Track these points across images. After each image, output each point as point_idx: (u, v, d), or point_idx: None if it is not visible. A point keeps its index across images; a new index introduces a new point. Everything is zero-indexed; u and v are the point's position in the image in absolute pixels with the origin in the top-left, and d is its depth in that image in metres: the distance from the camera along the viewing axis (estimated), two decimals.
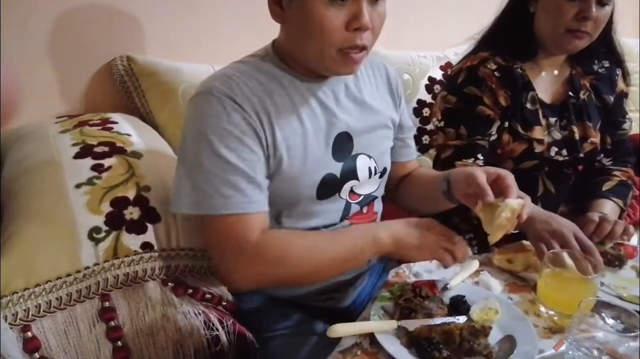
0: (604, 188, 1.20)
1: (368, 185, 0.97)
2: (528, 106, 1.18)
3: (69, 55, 1.29)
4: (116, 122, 1.16)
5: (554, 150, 1.17)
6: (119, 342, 0.79)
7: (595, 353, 0.68)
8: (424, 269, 0.92)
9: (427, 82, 1.62)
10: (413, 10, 1.78)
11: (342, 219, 0.95)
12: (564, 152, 1.18)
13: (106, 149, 1.00)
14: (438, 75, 1.65)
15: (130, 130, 1.12)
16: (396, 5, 1.68)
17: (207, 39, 1.44)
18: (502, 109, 1.16)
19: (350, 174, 0.92)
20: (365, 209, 0.99)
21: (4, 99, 0.46)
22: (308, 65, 0.86)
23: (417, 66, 1.61)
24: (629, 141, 1.31)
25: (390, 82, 1.03)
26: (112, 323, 0.80)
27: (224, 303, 0.91)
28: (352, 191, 0.94)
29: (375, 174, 0.97)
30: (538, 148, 1.15)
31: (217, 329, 0.85)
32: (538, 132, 1.16)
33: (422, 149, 1.67)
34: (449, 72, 1.38)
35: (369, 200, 0.99)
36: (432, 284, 0.83)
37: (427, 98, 1.62)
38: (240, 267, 0.81)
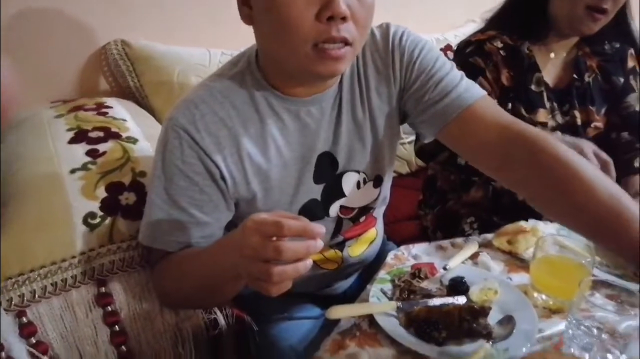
0: (636, 164, 1.18)
1: (360, 197, 0.89)
2: (533, 87, 1.15)
3: (63, 40, 1.27)
4: (111, 107, 1.14)
5: (557, 135, 1.13)
6: (116, 327, 0.79)
7: (595, 331, 0.67)
8: (423, 252, 0.91)
9: None
10: None
11: (334, 236, 0.90)
12: (568, 136, 1.14)
13: (101, 134, 0.99)
14: None
15: (125, 115, 1.11)
16: None
17: (203, 23, 1.42)
18: (503, 88, 1.14)
19: (334, 194, 0.86)
20: (362, 219, 0.92)
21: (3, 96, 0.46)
22: (286, 71, 0.75)
23: None
24: None
25: (392, 49, 0.82)
26: (109, 308, 0.79)
27: None
28: (342, 207, 0.87)
29: (366, 183, 0.88)
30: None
31: (215, 313, 0.85)
32: (542, 115, 1.14)
33: None
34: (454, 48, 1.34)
35: (364, 213, 0.91)
36: (431, 265, 0.82)
37: None
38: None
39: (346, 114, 0.83)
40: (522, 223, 0.92)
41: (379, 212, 0.97)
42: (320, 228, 0.57)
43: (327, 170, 0.84)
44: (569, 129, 1.16)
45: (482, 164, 0.83)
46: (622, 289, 0.77)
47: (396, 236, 1.26)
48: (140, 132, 1.04)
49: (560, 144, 0.75)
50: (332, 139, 0.83)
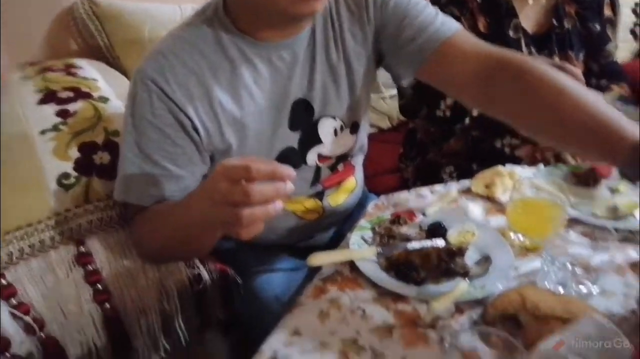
0: (606, 99, 1.20)
1: (338, 144, 0.88)
2: (510, 33, 1.15)
3: (27, 0, 1.21)
4: (81, 68, 1.11)
5: None
6: (98, 285, 0.79)
7: (569, 266, 0.69)
8: (403, 200, 0.92)
9: None
10: None
11: (313, 185, 0.90)
12: None
13: (71, 94, 0.97)
14: None
15: (96, 75, 1.09)
16: None
17: None
18: (480, 35, 1.12)
19: (311, 141, 0.85)
20: (340, 167, 0.92)
21: None
22: (260, 14, 0.74)
23: None
24: (618, 65, 1.29)
25: None
26: (90, 267, 0.79)
27: None
28: (320, 156, 0.87)
29: (343, 130, 0.88)
30: None
31: (199, 268, 0.85)
32: None
33: None
34: None
35: (342, 160, 0.91)
36: (410, 212, 0.83)
37: None
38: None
39: (320, 57, 0.82)
40: (500, 168, 0.93)
41: (357, 160, 0.97)
42: (289, 170, 0.57)
43: (303, 117, 0.83)
44: None
45: (466, 95, 0.81)
46: (596, 227, 0.79)
47: (377, 189, 1.27)
48: (112, 91, 1.02)
49: (545, 66, 0.74)
50: (306, 85, 0.82)
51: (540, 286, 0.69)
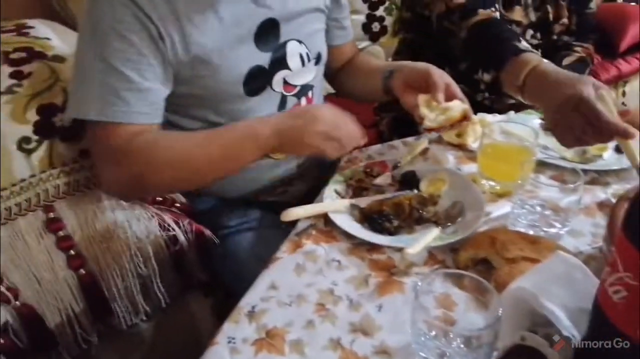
0: (564, 63, 1.18)
1: (303, 74, 0.92)
2: None
3: None
4: (32, 27, 1.04)
5: (529, 33, 1.12)
6: (71, 251, 0.78)
7: (539, 208, 0.71)
8: (376, 152, 0.92)
9: None
10: None
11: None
12: (538, 35, 1.13)
13: (24, 54, 0.91)
14: None
15: (49, 34, 1.02)
16: None
17: None
18: None
19: (279, 63, 0.87)
20: (303, 101, 0.94)
21: None
22: None
23: None
24: (592, 17, 1.28)
25: None
26: (61, 233, 0.77)
27: (177, 205, 0.90)
28: (286, 83, 0.89)
29: (310, 60, 0.92)
30: (516, 31, 1.08)
31: (174, 229, 0.84)
32: (518, 14, 1.11)
33: (373, 37, 1.62)
34: None
35: (306, 90, 0.94)
36: (382, 163, 0.83)
37: None
38: (107, 173, 0.77)
39: None
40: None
41: (318, 95, 0.99)
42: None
43: (271, 37, 0.85)
44: (541, 26, 1.14)
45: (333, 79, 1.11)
46: (565, 169, 0.81)
47: None
48: (68, 50, 0.96)
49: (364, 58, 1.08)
50: (273, 6, 0.83)
51: (511, 229, 0.70)
